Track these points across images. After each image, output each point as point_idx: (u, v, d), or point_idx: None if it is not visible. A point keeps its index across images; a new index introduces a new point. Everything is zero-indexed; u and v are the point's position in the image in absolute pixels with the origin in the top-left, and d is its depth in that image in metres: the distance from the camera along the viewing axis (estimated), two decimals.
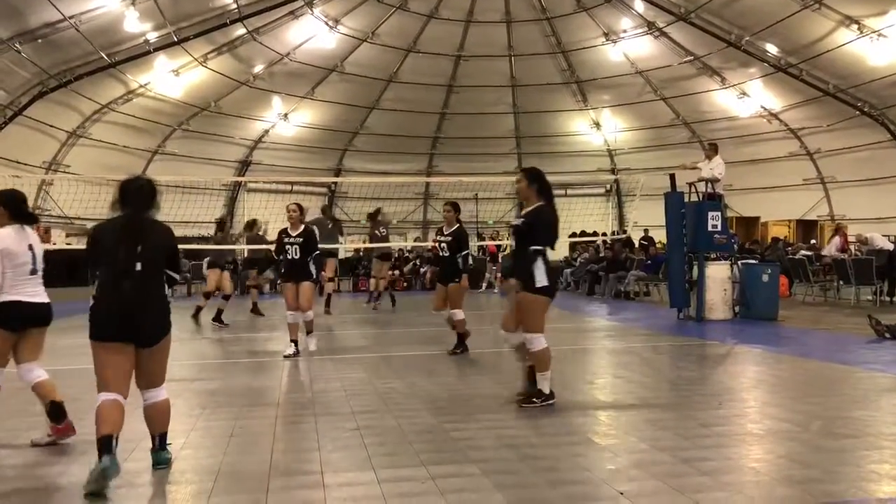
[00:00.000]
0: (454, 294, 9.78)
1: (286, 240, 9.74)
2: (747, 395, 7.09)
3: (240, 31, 24.38)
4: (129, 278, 4.54)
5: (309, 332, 9.90)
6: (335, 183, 32.84)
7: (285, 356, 9.34)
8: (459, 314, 9.75)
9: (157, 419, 4.79)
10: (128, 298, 4.53)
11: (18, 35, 19.77)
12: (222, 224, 16.96)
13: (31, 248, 5.51)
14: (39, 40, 20.38)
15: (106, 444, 4.30)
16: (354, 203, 31.68)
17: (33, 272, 5.46)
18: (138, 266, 4.56)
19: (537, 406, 6.22)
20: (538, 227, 6.42)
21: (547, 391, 6.30)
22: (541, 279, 6.25)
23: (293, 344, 9.56)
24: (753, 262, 15.20)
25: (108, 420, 4.42)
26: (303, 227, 9.87)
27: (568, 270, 23.47)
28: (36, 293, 5.51)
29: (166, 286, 4.84)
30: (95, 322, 4.60)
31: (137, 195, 4.72)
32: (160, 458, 4.73)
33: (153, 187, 4.84)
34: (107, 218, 4.83)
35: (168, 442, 4.86)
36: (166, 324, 4.74)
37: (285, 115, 30.09)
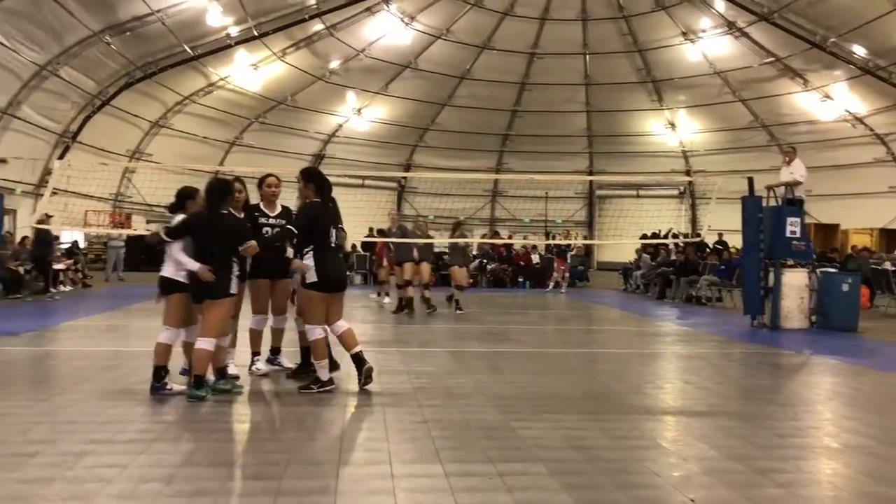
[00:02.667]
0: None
1: (262, 221, 7.36)
2: (824, 407, 6.87)
3: (317, 26, 24.81)
4: None
5: (275, 349, 7.82)
6: (405, 178, 33.14)
7: (254, 372, 7.44)
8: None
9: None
10: None
11: (109, 28, 20.55)
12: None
13: None
14: (128, 33, 21.14)
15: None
16: (423, 198, 31.88)
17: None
18: None
19: (315, 392, 6.56)
20: (306, 223, 6.68)
21: (325, 378, 6.66)
22: (311, 276, 6.60)
23: (256, 358, 7.55)
24: (833, 270, 14.69)
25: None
26: (281, 207, 7.60)
27: (638, 272, 23.08)
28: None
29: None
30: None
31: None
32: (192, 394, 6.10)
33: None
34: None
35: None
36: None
37: (359, 110, 30.51)
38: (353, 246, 22.96)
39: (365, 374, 6.69)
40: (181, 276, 6.38)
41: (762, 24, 23.96)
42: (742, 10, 23.96)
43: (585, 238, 32.16)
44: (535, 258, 25.24)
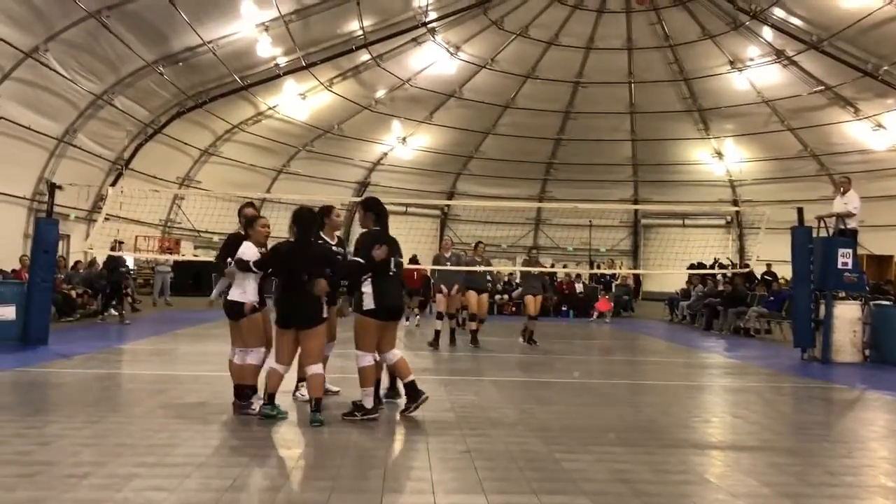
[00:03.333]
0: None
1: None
2: (879, 444, 6.65)
3: (364, 57, 25.18)
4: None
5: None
6: (448, 206, 33.27)
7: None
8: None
9: (312, 385, 6.45)
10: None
11: (162, 58, 21.12)
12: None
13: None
14: (180, 63, 21.70)
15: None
16: (465, 226, 31.98)
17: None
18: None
19: (358, 419, 6.51)
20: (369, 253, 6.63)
21: (369, 406, 6.59)
22: (367, 303, 6.61)
23: (301, 384, 7.43)
24: (888, 303, 14.30)
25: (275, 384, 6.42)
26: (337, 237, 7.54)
27: (684, 303, 22.75)
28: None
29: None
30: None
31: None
32: (313, 419, 6.23)
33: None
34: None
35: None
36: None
37: (403, 138, 30.81)
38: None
39: (418, 404, 6.71)
40: (246, 299, 6.64)
41: (811, 52, 23.65)
42: (791, 39, 23.69)
43: (631, 267, 31.86)
44: (579, 287, 25.06)
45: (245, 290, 6.69)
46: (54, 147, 20.73)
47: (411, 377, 6.80)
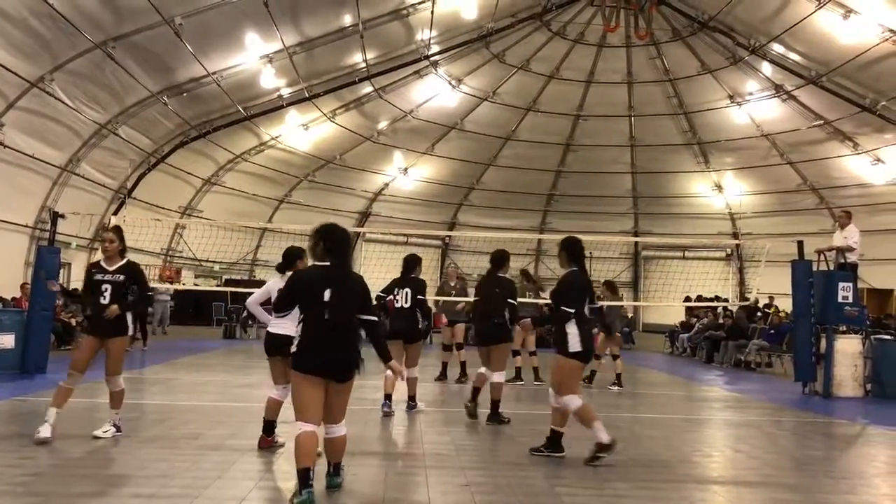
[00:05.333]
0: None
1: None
2: (881, 481, 6.61)
3: (367, 89, 25.37)
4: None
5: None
6: (449, 236, 33.33)
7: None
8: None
9: (335, 450, 5.40)
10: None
11: (167, 89, 21.28)
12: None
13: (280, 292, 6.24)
14: (184, 94, 21.86)
15: (303, 477, 4.87)
16: (467, 256, 31.93)
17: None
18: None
19: (603, 457, 6.42)
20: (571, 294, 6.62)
21: (606, 440, 6.44)
22: (574, 345, 6.49)
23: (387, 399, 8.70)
24: (888, 337, 14.27)
25: (306, 452, 4.93)
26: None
27: (684, 335, 22.71)
28: (276, 326, 6.48)
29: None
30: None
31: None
32: (332, 482, 5.42)
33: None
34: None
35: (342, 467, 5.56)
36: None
37: (405, 169, 30.95)
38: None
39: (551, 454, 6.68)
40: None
41: (810, 87, 23.83)
42: (790, 74, 23.91)
43: (630, 299, 31.82)
44: None
45: (286, 322, 6.23)
46: (57, 176, 20.81)
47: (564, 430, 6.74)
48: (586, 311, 6.67)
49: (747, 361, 18.72)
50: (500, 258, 9.12)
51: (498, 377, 8.50)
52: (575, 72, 27.22)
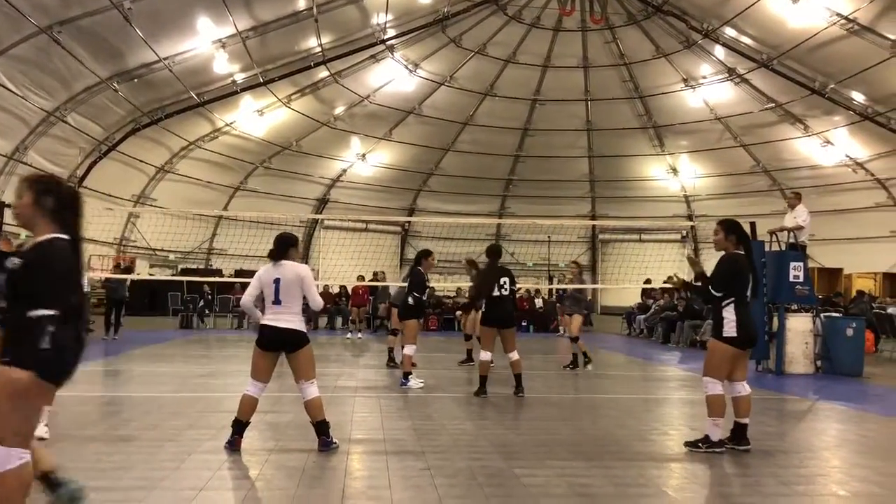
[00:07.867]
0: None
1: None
2: (831, 454, 6.78)
3: (323, 73, 25.15)
4: None
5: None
6: (408, 222, 33.29)
7: None
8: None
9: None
10: None
11: (117, 75, 20.84)
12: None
13: (276, 281, 6.22)
14: (135, 80, 21.44)
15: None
16: (426, 242, 31.93)
17: (276, 302, 6.21)
18: None
19: (701, 451, 6.37)
20: (729, 277, 6.46)
21: (715, 438, 6.39)
22: (729, 329, 6.37)
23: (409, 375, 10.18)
24: (837, 315, 14.63)
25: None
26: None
27: (641, 317, 23.05)
28: (278, 319, 6.19)
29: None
30: None
31: None
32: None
33: None
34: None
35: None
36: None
37: (363, 155, 30.80)
38: (343, 287, 22.97)
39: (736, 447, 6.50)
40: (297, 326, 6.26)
41: (762, 70, 24.26)
42: (742, 57, 24.29)
43: (589, 282, 32.13)
44: (539, 302, 25.20)
45: (288, 315, 6.23)
46: (4, 164, 20.29)
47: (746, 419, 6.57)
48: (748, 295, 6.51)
49: (703, 341, 19.04)
50: (498, 250, 10.11)
51: (514, 355, 9.54)
52: (531, 56, 27.32)
